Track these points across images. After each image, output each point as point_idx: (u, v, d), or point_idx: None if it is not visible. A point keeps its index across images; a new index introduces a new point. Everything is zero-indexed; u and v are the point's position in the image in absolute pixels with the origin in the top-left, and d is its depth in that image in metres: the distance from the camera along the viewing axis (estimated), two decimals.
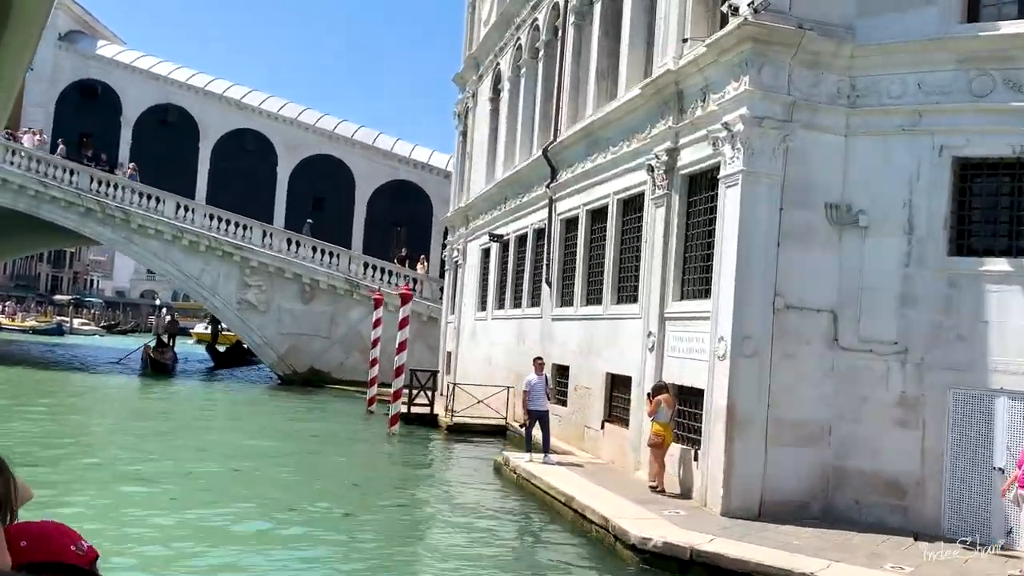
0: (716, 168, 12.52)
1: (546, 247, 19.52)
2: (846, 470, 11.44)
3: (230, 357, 42.17)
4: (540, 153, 20.09)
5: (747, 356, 11.21)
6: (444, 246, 31.95)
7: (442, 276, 34.60)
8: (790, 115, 11.48)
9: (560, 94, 19.60)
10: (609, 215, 16.24)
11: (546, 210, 20.06)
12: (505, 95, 24.85)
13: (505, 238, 23.49)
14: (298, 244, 33.84)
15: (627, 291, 15.41)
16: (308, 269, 33.49)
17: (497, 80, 26.16)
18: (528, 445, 14.84)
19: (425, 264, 35.12)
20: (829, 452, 11.47)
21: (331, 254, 33.63)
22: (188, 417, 22.82)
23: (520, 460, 14.65)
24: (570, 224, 18.78)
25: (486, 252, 26.15)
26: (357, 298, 33.57)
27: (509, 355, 22.24)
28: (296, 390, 30.90)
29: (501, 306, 23.82)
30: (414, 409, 22.59)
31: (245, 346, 48.21)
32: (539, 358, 14.98)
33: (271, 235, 33.90)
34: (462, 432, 21.05)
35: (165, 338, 37.21)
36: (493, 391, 21.55)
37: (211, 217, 33.88)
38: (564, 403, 17.86)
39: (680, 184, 13.52)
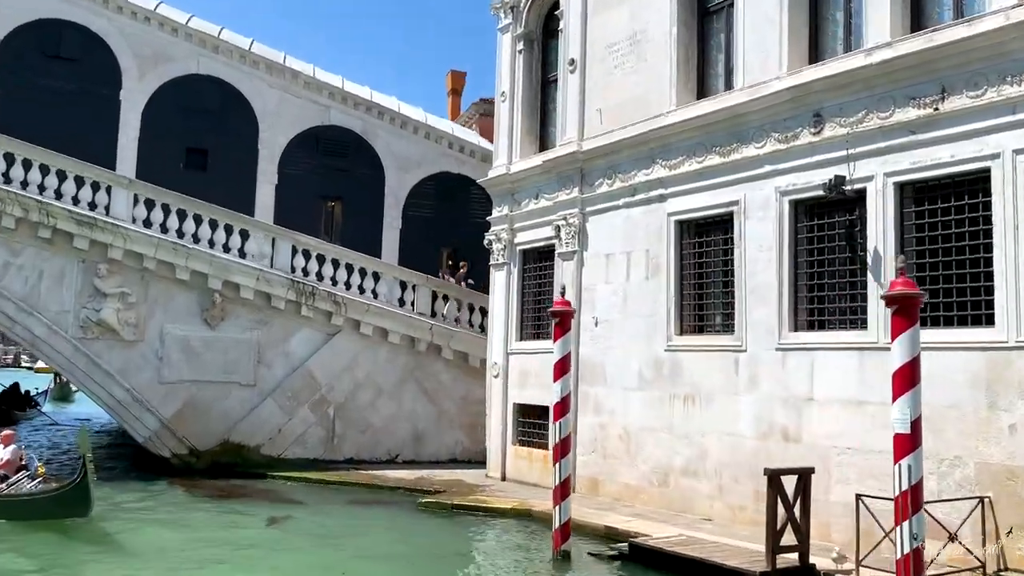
0: None
1: None
2: None
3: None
4: None
5: None
6: (488, 229, 18.93)
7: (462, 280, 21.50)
8: None
9: None
10: None
11: None
12: None
13: (849, 188, 11.76)
14: (196, 221, 18.87)
15: None
16: (222, 265, 18.72)
17: None
18: None
19: (465, 267, 21.82)
20: None
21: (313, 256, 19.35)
22: None
23: None
24: None
25: (712, 225, 14.12)
26: (306, 314, 19.39)
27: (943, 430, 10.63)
28: (226, 489, 16.23)
29: (822, 324, 12.04)
30: (782, 557, 9.98)
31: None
32: None
33: (144, 200, 18.58)
34: None
35: None
36: (952, 509, 9.86)
37: (25, 164, 17.88)
38: None
39: None
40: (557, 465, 11.57)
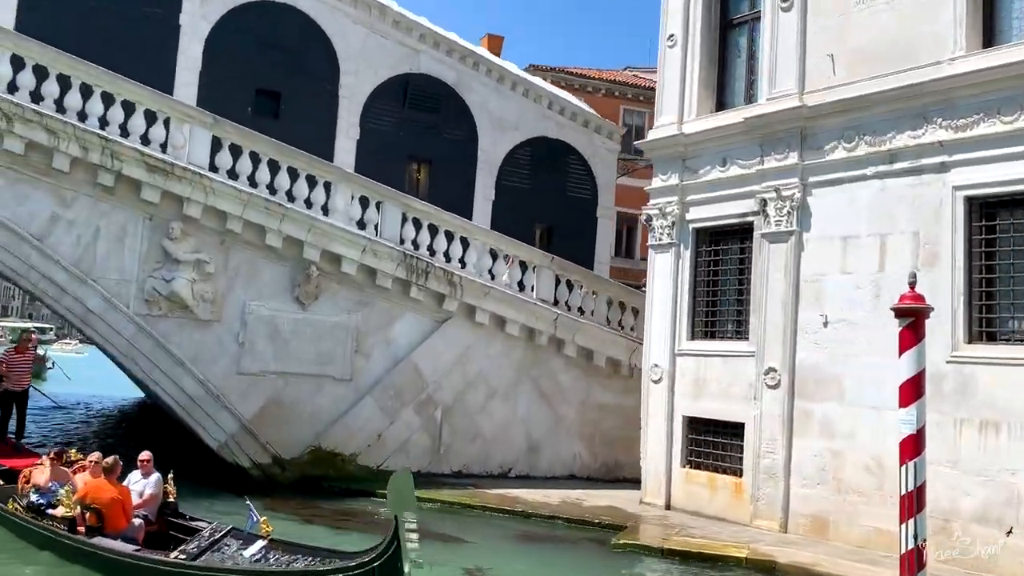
0: None
1: None
2: None
3: None
4: None
5: None
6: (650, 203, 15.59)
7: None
8: None
9: None
10: None
11: None
12: None
13: None
14: (292, 175, 15.24)
15: None
16: (323, 231, 15.11)
17: None
18: None
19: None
20: None
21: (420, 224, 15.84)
22: None
23: None
24: None
25: (1010, 204, 11.03)
26: (415, 296, 15.91)
27: None
28: (346, 514, 12.83)
29: None
30: None
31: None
32: None
33: (229, 146, 14.88)
34: None
35: None
36: None
37: (83, 91, 14.04)
38: None
39: None
40: (910, 523, 8.34)
